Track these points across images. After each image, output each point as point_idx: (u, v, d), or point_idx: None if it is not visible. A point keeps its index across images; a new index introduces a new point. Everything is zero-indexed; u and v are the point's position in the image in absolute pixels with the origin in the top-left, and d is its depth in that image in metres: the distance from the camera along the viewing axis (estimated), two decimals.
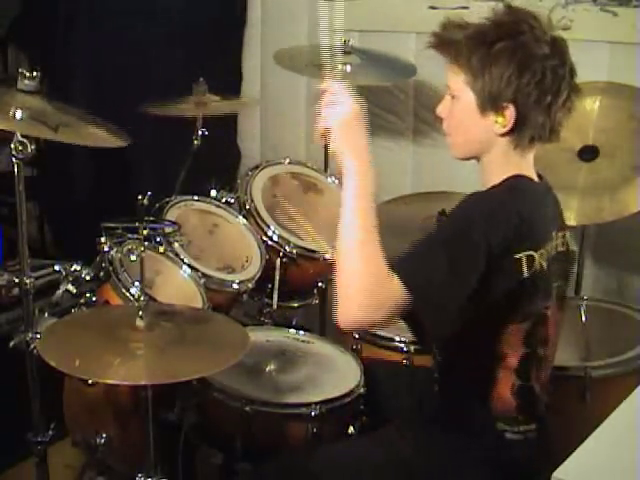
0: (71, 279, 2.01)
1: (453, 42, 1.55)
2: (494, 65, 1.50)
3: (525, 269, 1.49)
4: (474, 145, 1.61)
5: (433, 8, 2.86)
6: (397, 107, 3.08)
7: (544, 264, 1.53)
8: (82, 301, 2.05)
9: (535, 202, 1.57)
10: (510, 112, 1.52)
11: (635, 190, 2.21)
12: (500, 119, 1.53)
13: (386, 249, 2.15)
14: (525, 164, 1.60)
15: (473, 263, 1.42)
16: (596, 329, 2.24)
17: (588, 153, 2.38)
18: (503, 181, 1.57)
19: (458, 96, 1.58)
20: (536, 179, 1.62)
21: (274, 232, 2.44)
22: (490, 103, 1.53)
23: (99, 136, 1.98)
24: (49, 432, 1.99)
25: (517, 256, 1.48)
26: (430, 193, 2.79)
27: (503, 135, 1.55)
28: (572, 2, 2.55)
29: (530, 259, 1.49)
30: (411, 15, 2.93)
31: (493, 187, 1.57)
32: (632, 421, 1.36)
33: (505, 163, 1.58)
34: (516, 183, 1.56)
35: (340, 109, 1.58)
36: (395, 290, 1.38)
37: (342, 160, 1.55)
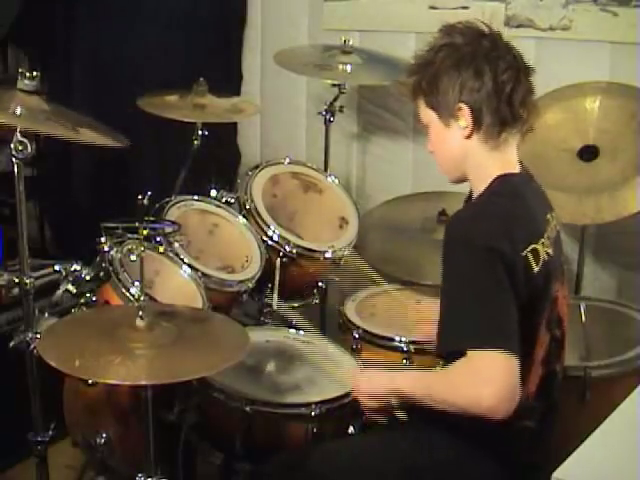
0: (71, 279, 2.01)
1: (411, 76, 1.68)
2: (439, 78, 1.60)
3: (534, 264, 1.53)
4: (454, 159, 1.68)
5: (433, 8, 2.86)
6: (397, 107, 3.08)
7: (549, 250, 1.58)
8: (82, 301, 2.05)
9: (523, 196, 1.61)
10: (465, 111, 1.59)
11: (635, 190, 2.21)
12: (461, 122, 1.61)
13: (386, 249, 2.18)
14: (506, 160, 1.64)
15: (501, 282, 1.47)
16: (596, 329, 2.24)
17: (588, 153, 2.38)
18: (486, 188, 1.62)
19: (427, 122, 1.68)
20: (517, 169, 1.66)
21: (274, 232, 2.44)
22: (447, 112, 1.62)
23: (96, 137, 1.98)
24: (49, 432, 1.99)
25: (523, 254, 1.52)
26: (430, 193, 2.79)
27: (469, 137, 1.61)
28: (572, 2, 2.54)
29: (535, 252, 1.54)
30: (411, 15, 2.93)
31: (480, 197, 1.63)
32: (632, 421, 1.36)
33: (486, 164, 1.63)
34: (500, 186, 1.61)
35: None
36: (488, 361, 1.43)
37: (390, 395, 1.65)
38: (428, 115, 1.67)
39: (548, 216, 1.66)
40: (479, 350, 1.44)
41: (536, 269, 1.53)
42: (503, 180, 1.61)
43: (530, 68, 1.62)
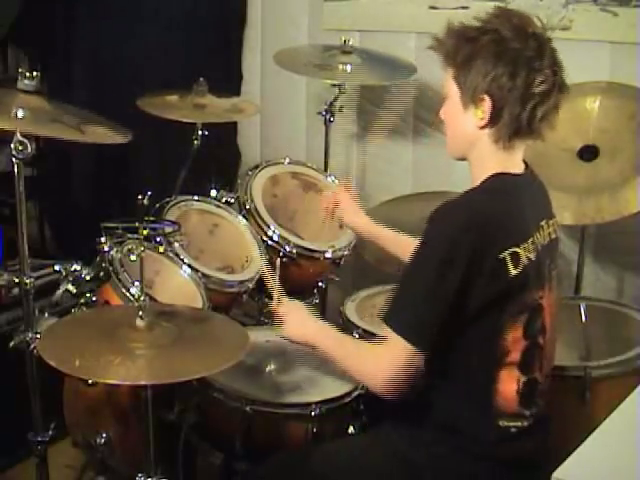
0: (71, 279, 2.01)
1: (445, 42, 1.62)
2: (475, 59, 1.56)
3: (511, 267, 1.52)
4: (461, 141, 1.66)
5: (433, 8, 2.86)
6: (397, 107, 3.08)
7: (531, 256, 1.56)
8: (82, 301, 2.05)
9: (514, 197, 1.60)
10: (487, 103, 1.57)
11: (635, 190, 2.21)
12: (479, 112, 1.59)
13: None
14: (510, 161, 1.63)
15: (447, 282, 1.51)
16: (596, 329, 2.24)
17: (588, 153, 2.38)
18: (483, 182, 1.61)
19: (448, 93, 1.64)
20: (520, 171, 1.65)
21: (274, 232, 2.44)
22: (470, 96, 1.59)
23: (100, 133, 1.98)
24: (49, 432, 1.99)
25: (500, 256, 1.51)
26: (430, 193, 2.79)
27: (483, 128, 1.60)
28: (572, 2, 2.54)
29: (515, 256, 1.53)
30: (411, 15, 2.93)
31: (473, 189, 1.62)
32: (632, 421, 1.36)
33: (490, 159, 1.62)
34: (493, 183, 1.60)
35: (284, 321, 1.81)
36: (393, 350, 1.55)
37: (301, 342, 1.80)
38: (451, 87, 1.63)
39: (542, 222, 1.64)
40: (393, 332, 1.55)
41: (513, 272, 1.52)
42: (497, 178, 1.60)
43: (565, 86, 1.58)
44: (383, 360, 1.57)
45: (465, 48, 1.58)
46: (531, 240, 1.58)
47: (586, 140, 2.39)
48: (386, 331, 1.56)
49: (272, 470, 1.75)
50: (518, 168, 1.64)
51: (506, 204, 1.58)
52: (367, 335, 2.22)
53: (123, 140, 1.98)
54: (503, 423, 1.58)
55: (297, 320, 1.80)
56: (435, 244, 1.54)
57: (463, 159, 1.69)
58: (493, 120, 1.58)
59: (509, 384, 1.58)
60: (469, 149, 1.64)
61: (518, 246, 1.54)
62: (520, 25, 1.56)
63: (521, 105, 1.55)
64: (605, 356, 2.06)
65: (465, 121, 1.62)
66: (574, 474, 1.19)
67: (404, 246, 1.97)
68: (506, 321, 1.55)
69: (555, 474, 1.19)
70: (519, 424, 1.59)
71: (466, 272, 1.49)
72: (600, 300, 2.40)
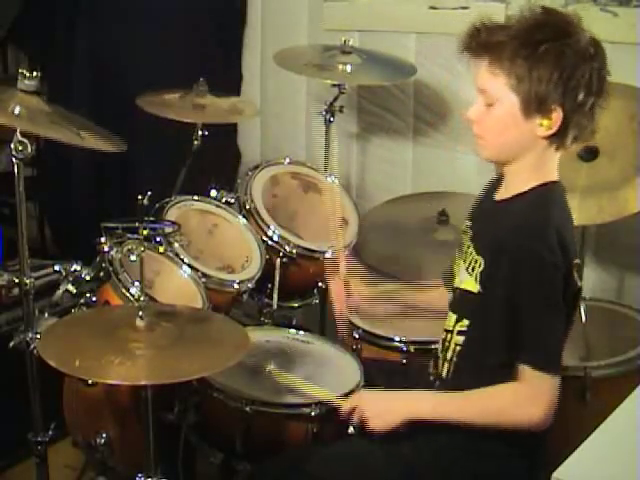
0: (71, 279, 2.01)
1: (495, 43, 1.51)
2: (541, 66, 1.47)
3: (576, 278, 1.55)
4: (512, 148, 1.58)
5: (433, 8, 2.86)
6: (397, 107, 3.08)
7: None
8: (82, 301, 2.05)
9: (565, 208, 1.59)
10: (557, 115, 1.50)
11: (635, 190, 2.21)
12: (545, 122, 1.51)
13: (386, 248, 2.16)
14: (555, 166, 1.60)
15: (559, 302, 1.51)
16: (596, 329, 2.24)
17: (588, 153, 2.37)
18: (531, 189, 1.57)
19: (498, 99, 1.54)
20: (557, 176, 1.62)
21: (274, 232, 2.44)
22: (536, 105, 1.50)
23: (96, 140, 1.99)
24: (49, 432, 1.99)
25: (572, 268, 1.54)
26: (430, 193, 2.79)
27: (545, 137, 1.54)
28: (572, 2, 2.54)
29: (578, 267, 1.55)
30: (411, 15, 2.93)
31: (518, 197, 1.58)
32: (632, 421, 1.36)
33: (538, 166, 1.57)
34: (548, 193, 1.57)
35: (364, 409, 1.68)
36: (544, 384, 1.50)
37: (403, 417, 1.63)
38: (503, 94, 1.52)
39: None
40: (536, 371, 1.49)
41: (579, 284, 1.56)
42: (551, 187, 1.57)
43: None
44: (537, 399, 1.50)
45: (524, 53, 1.48)
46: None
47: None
48: (522, 368, 1.51)
49: (273, 470, 1.75)
50: (557, 173, 1.61)
51: (563, 214, 1.57)
52: (367, 335, 2.22)
53: (118, 150, 1.98)
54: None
55: (380, 407, 1.67)
56: (542, 271, 1.49)
57: (495, 162, 1.66)
58: (560, 130, 1.52)
59: None
60: (520, 155, 1.58)
61: (577, 257, 1.56)
62: (580, 30, 1.52)
63: (591, 115, 1.52)
64: (605, 356, 2.07)
65: (524, 129, 1.53)
66: (574, 474, 1.19)
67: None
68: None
69: (555, 474, 1.19)
70: None
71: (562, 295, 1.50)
72: (600, 300, 2.40)
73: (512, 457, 1.60)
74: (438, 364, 1.73)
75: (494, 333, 1.55)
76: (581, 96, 1.49)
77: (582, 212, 2.25)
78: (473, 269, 1.59)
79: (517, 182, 1.60)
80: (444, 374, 1.69)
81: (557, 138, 1.54)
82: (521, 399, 1.51)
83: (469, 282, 1.60)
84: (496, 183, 1.71)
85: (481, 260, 1.58)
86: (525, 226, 1.53)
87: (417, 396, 1.65)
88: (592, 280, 2.66)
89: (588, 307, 2.27)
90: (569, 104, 1.49)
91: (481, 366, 1.58)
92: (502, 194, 1.65)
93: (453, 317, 1.67)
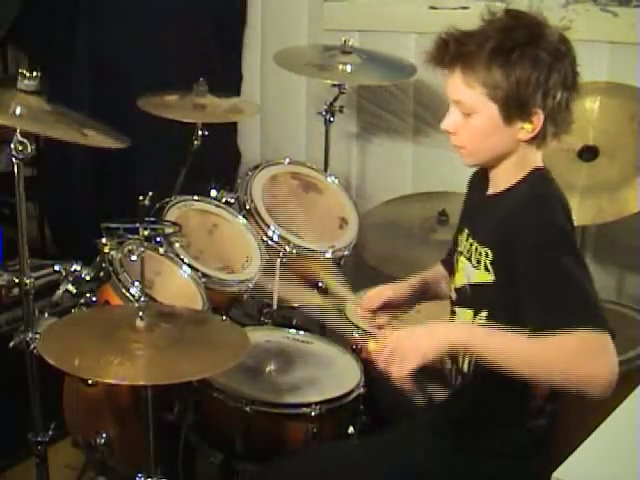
0: (71, 279, 2.01)
1: (467, 54, 1.49)
2: (517, 72, 1.46)
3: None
4: (494, 153, 1.58)
5: (433, 8, 2.86)
6: (397, 107, 3.08)
7: None
8: (82, 301, 2.05)
9: (559, 188, 1.58)
10: (538, 117, 1.49)
11: (635, 190, 2.21)
12: (527, 125, 1.51)
13: (386, 249, 2.15)
14: (539, 156, 1.60)
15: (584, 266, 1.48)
16: None
17: (588, 153, 2.38)
18: (523, 178, 1.56)
19: (476, 109, 1.53)
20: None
21: (274, 232, 2.44)
22: (517, 111, 1.49)
23: (98, 137, 1.99)
24: (49, 432, 1.99)
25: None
26: (430, 193, 2.79)
27: (527, 141, 1.54)
28: (572, 2, 2.54)
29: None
30: (411, 15, 2.93)
31: (515, 186, 1.57)
32: (632, 421, 1.35)
33: (522, 163, 1.57)
34: (540, 176, 1.57)
35: (397, 355, 1.46)
36: (602, 341, 1.38)
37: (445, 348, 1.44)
38: (482, 105, 1.51)
39: None
40: (590, 332, 1.37)
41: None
42: (543, 171, 1.58)
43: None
44: (601, 354, 1.39)
45: (499, 60, 1.46)
46: None
47: (586, 140, 2.39)
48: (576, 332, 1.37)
49: (273, 470, 1.75)
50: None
51: (563, 194, 1.56)
52: (367, 335, 2.22)
53: (121, 146, 1.98)
54: (530, 424, 1.58)
55: (422, 336, 1.45)
56: (562, 235, 1.47)
57: (481, 166, 1.66)
58: (542, 132, 1.52)
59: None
60: (503, 158, 1.58)
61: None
62: (548, 28, 1.50)
63: (569, 112, 1.52)
64: None
65: (504, 135, 1.53)
66: (574, 474, 1.19)
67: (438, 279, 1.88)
68: None
69: (555, 474, 1.19)
70: (539, 421, 1.59)
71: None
72: (600, 300, 2.40)
73: (518, 457, 1.59)
74: (458, 360, 1.67)
75: (520, 314, 1.45)
76: (559, 95, 1.49)
77: (582, 212, 2.25)
78: (479, 262, 1.57)
79: (504, 179, 1.60)
80: (465, 368, 1.65)
81: (538, 138, 1.54)
82: (589, 354, 1.38)
83: (480, 275, 1.57)
84: (480, 181, 1.70)
85: (488, 250, 1.55)
86: (530, 203, 1.51)
87: (464, 326, 1.53)
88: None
89: None
90: (550, 105, 1.49)
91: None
92: (492, 190, 1.65)
93: (469, 312, 1.63)
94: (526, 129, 1.51)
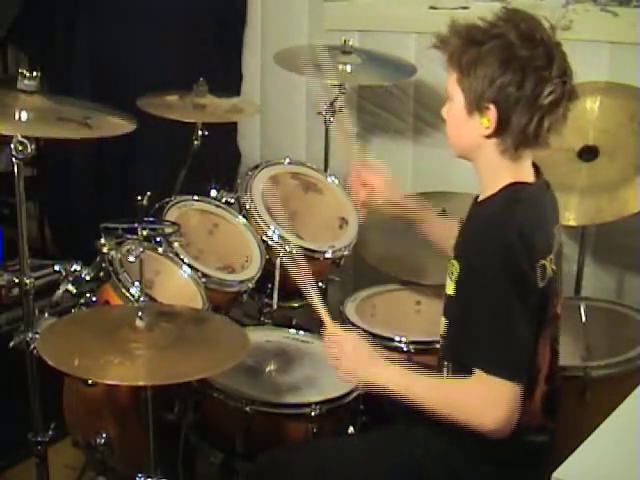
0: (71, 279, 2.01)
1: (449, 43, 1.56)
2: (480, 65, 1.50)
3: (539, 280, 1.49)
4: (465, 144, 1.62)
5: (433, 8, 2.86)
6: (397, 107, 3.08)
7: (554, 267, 1.54)
8: (82, 301, 2.05)
9: (535, 209, 1.56)
10: (492, 113, 1.51)
11: (635, 190, 2.21)
12: (484, 120, 1.53)
13: (386, 248, 2.14)
14: (520, 169, 1.58)
15: (521, 301, 1.46)
16: (596, 329, 2.24)
17: (588, 153, 2.38)
18: (499, 191, 1.56)
19: (451, 96, 1.59)
20: (532, 179, 1.60)
21: (274, 232, 2.44)
22: (475, 103, 1.53)
23: (106, 125, 1.98)
24: (49, 432, 1.99)
25: (536, 268, 1.49)
26: (430, 193, 2.78)
27: (489, 137, 1.55)
28: (572, 2, 2.54)
29: (543, 268, 1.50)
30: (411, 15, 2.93)
31: (490, 198, 1.58)
32: (632, 421, 1.35)
33: (498, 167, 1.57)
34: (513, 194, 1.55)
35: (342, 350, 1.67)
36: (495, 389, 1.46)
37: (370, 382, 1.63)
38: (455, 91, 1.57)
39: (555, 229, 1.61)
40: (490, 375, 1.46)
41: (540, 285, 1.49)
42: (519, 187, 1.55)
43: (574, 94, 1.53)
44: (489, 402, 1.47)
45: (471, 52, 1.51)
46: (553, 251, 1.55)
47: (586, 140, 2.39)
48: (480, 372, 1.48)
49: (267, 468, 1.75)
50: (530, 177, 1.59)
51: (529, 216, 1.52)
52: (367, 335, 2.22)
53: (130, 129, 1.97)
54: (528, 438, 1.57)
55: (361, 356, 1.65)
56: (496, 270, 1.46)
57: (465, 158, 1.66)
58: (499, 130, 1.52)
59: (537, 400, 1.57)
60: (473, 153, 1.60)
61: (545, 258, 1.51)
62: (528, 31, 1.49)
63: (529, 116, 1.49)
64: (605, 356, 2.06)
65: (469, 127, 1.56)
66: (574, 474, 1.19)
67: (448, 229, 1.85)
68: (539, 336, 1.53)
69: (555, 474, 1.19)
70: (540, 437, 1.59)
71: (522, 295, 1.46)
72: (600, 300, 2.40)
73: (519, 467, 1.59)
74: (442, 367, 1.69)
75: (460, 335, 1.55)
76: (514, 95, 1.48)
77: (582, 212, 2.26)
78: (452, 273, 1.60)
79: (485, 186, 1.60)
80: (445, 376, 1.67)
81: (499, 139, 1.54)
82: (476, 398, 1.48)
83: (450, 285, 1.61)
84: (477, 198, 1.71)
85: (456, 263, 1.58)
86: (489, 226, 1.53)
87: (393, 371, 1.62)
88: (592, 280, 2.66)
89: (588, 307, 2.27)
90: (503, 103, 1.49)
91: (461, 367, 1.55)
92: (481, 195, 1.65)
93: (443, 320, 1.67)
94: (483, 124, 1.54)
